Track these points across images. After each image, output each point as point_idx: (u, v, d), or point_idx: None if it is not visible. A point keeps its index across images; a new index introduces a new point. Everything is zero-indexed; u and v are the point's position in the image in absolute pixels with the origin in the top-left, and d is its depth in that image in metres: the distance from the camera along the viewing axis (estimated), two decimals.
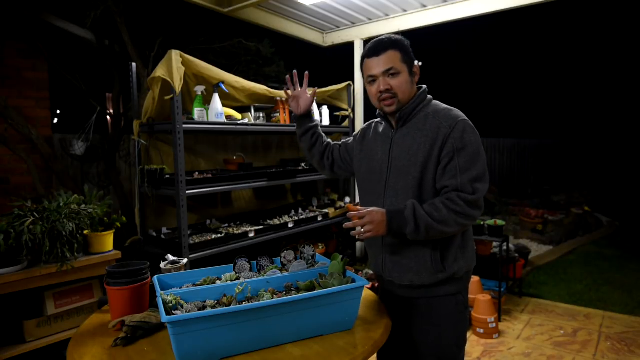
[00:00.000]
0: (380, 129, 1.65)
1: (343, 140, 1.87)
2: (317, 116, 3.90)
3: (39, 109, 3.26)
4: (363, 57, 1.55)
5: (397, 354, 1.64)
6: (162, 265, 1.59)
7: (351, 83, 4.26)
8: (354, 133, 1.88)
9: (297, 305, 1.20)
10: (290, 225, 3.53)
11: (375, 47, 1.49)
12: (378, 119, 1.69)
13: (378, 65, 1.48)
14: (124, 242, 3.01)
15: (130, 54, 3.43)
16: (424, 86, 1.59)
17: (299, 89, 1.78)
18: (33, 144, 3.15)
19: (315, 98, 3.88)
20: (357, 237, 1.44)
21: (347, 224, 1.44)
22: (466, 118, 1.50)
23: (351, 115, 4.30)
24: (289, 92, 1.79)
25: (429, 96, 1.59)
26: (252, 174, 3.22)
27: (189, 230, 3.02)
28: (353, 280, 1.37)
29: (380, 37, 1.52)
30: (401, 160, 1.51)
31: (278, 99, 3.54)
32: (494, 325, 3.23)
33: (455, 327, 1.55)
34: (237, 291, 1.34)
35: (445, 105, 1.56)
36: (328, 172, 1.90)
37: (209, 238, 3.03)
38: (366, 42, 4.36)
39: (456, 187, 1.42)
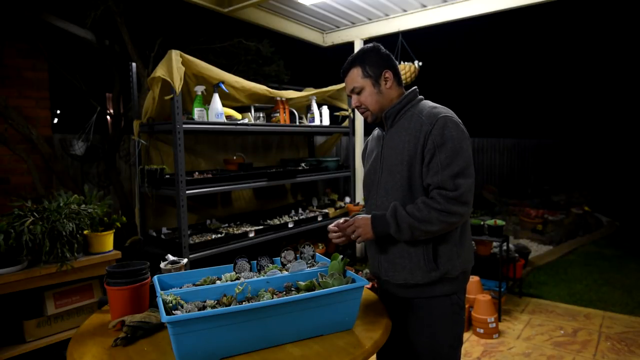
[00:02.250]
0: (376, 134, 1.72)
1: None
2: (317, 116, 3.89)
3: (39, 109, 3.26)
4: None
5: (396, 354, 1.64)
6: (162, 265, 1.59)
7: None
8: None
9: (297, 305, 1.20)
10: (290, 225, 3.53)
11: (342, 70, 1.61)
12: (375, 127, 1.76)
13: (346, 87, 1.61)
14: (124, 242, 3.01)
15: (130, 54, 3.43)
16: (415, 87, 1.61)
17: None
18: (33, 144, 3.15)
19: (315, 98, 3.92)
20: (339, 244, 1.56)
21: (332, 235, 1.55)
22: (449, 114, 1.48)
23: (351, 115, 4.30)
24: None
25: (420, 96, 1.61)
26: (252, 174, 3.22)
27: (189, 230, 3.03)
28: (353, 280, 1.37)
29: (348, 58, 1.60)
30: (390, 159, 1.54)
31: (278, 99, 3.54)
32: (494, 325, 3.23)
33: (450, 328, 1.54)
34: (237, 291, 1.34)
35: (434, 104, 1.56)
36: None
37: (209, 238, 3.03)
38: (366, 42, 4.36)
39: (438, 184, 1.42)
